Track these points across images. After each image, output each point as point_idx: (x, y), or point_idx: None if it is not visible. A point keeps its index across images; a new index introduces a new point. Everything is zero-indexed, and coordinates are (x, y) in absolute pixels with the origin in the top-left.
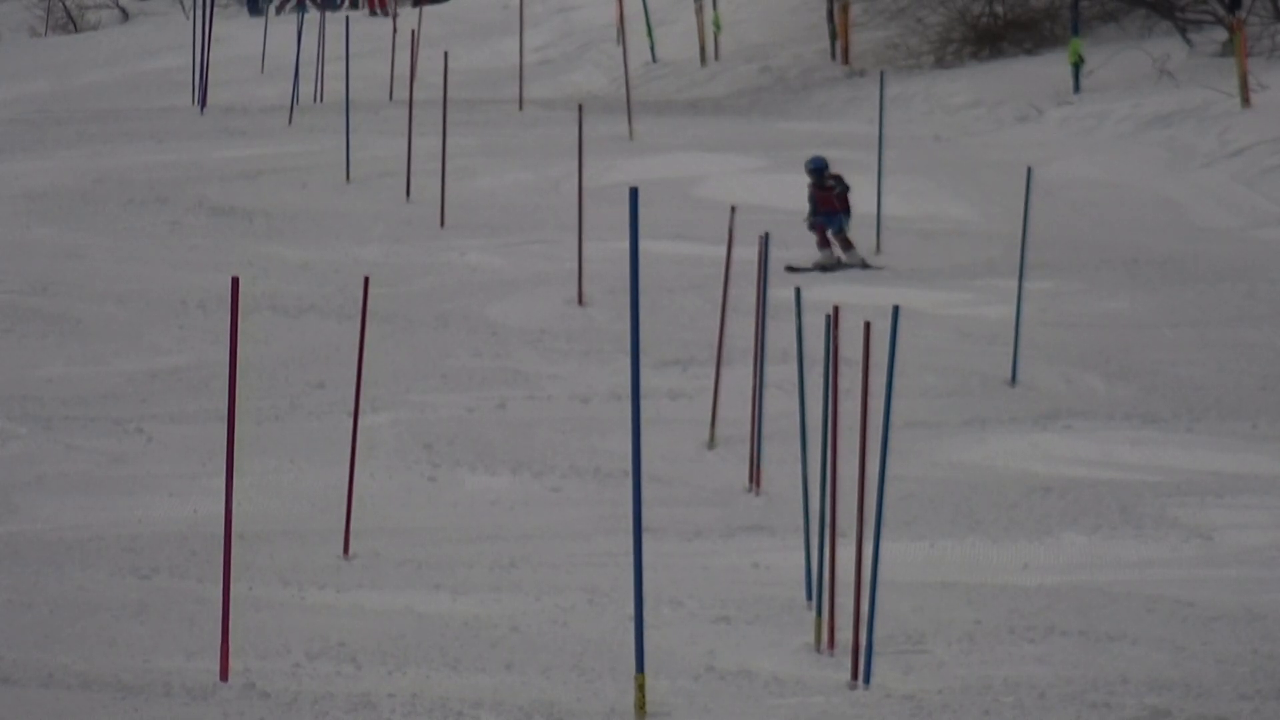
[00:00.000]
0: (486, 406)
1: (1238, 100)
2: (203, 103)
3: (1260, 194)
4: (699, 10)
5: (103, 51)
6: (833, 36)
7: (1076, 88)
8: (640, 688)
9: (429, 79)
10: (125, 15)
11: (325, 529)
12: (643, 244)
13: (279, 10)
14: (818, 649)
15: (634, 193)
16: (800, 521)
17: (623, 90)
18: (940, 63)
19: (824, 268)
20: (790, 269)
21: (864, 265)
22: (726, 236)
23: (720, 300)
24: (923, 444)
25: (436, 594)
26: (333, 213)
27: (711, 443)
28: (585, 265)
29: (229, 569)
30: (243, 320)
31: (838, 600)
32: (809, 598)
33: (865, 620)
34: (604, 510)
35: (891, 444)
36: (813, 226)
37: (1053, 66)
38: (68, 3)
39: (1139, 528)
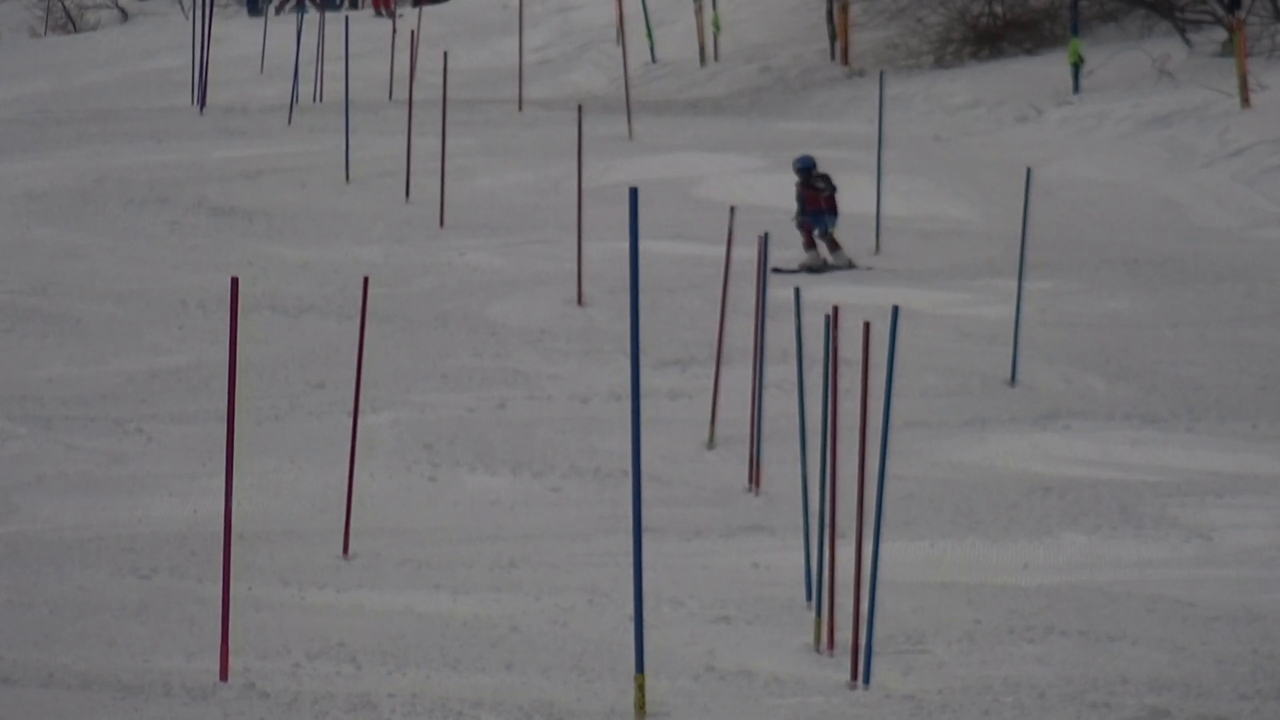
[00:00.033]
0: (486, 406)
1: (1238, 100)
2: (202, 103)
3: (1260, 194)
4: (699, 10)
5: (103, 51)
6: (833, 36)
7: (1076, 88)
8: (640, 688)
9: (429, 79)
10: (125, 15)
11: (325, 529)
12: (643, 244)
13: (279, 10)
14: (818, 649)
15: (634, 193)
16: (800, 521)
17: (622, 90)
18: (940, 63)
19: (810, 269)
20: (776, 270)
21: (850, 266)
22: (726, 236)
23: (720, 300)
24: (923, 444)
25: (436, 594)
26: (333, 213)
27: (711, 443)
28: (585, 265)
29: (229, 569)
30: (243, 320)
31: (838, 600)
32: (809, 598)
33: (865, 620)
34: (604, 510)
35: (891, 444)
36: (800, 225)
37: (1052, 66)
38: (67, 3)
39: (1139, 528)
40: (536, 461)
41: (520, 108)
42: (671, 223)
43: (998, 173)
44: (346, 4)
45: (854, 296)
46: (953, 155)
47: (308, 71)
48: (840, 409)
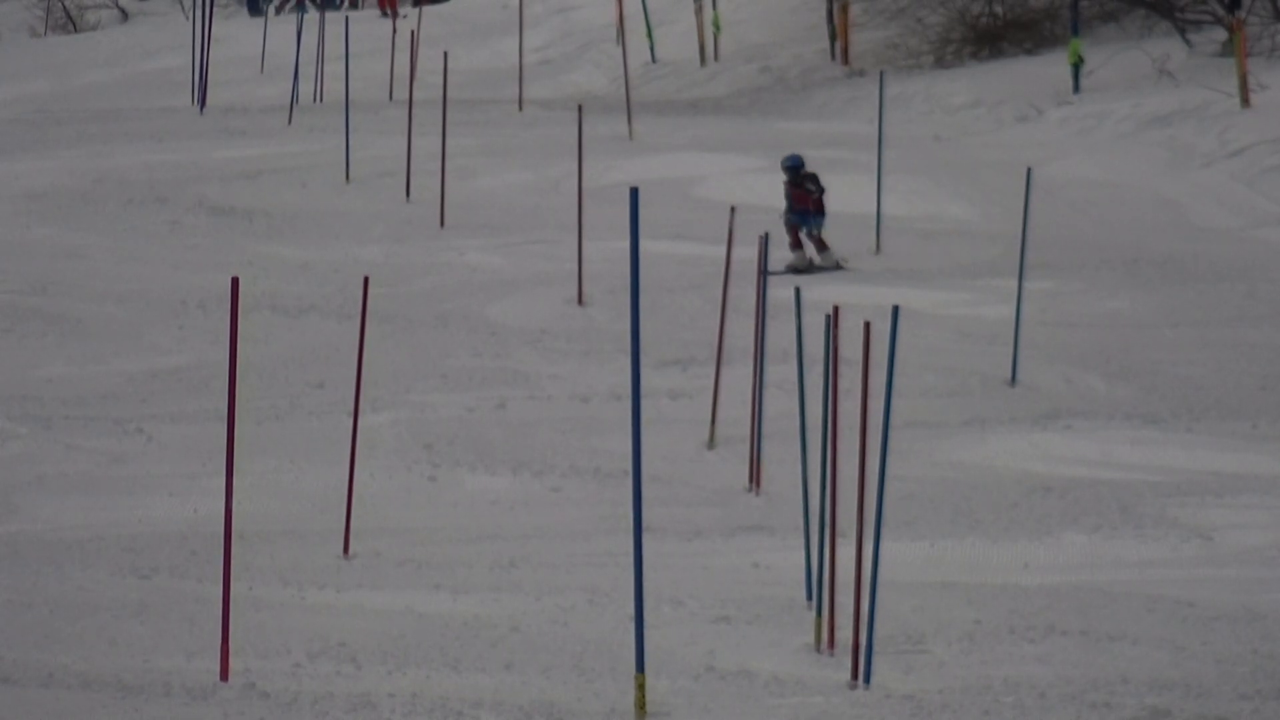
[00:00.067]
0: (486, 406)
1: (1238, 100)
2: (202, 103)
3: (1260, 194)
4: (699, 10)
5: (103, 51)
6: (833, 36)
7: (1076, 88)
8: (640, 688)
9: (429, 79)
10: (125, 15)
11: (325, 529)
12: (643, 244)
13: (279, 10)
14: (818, 649)
15: (634, 193)
16: (800, 521)
17: (623, 90)
18: (940, 63)
19: (796, 270)
20: (770, 272)
21: (838, 267)
22: (726, 236)
23: (720, 300)
24: (923, 444)
25: (436, 594)
26: (333, 213)
27: (711, 443)
28: (585, 265)
29: (229, 569)
30: (243, 320)
31: (838, 600)
32: (809, 598)
33: (865, 620)
34: (604, 510)
35: (891, 444)
36: (789, 225)
37: (1053, 66)
38: (68, 3)
39: (1139, 528)
40: (536, 461)
41: (520, 108)
42: (671, 223)
43: (998, 173)
44: (347, 4)
45: (854, 296)
46: (953, 155)
47: (308, 71)
48: (840, 409)
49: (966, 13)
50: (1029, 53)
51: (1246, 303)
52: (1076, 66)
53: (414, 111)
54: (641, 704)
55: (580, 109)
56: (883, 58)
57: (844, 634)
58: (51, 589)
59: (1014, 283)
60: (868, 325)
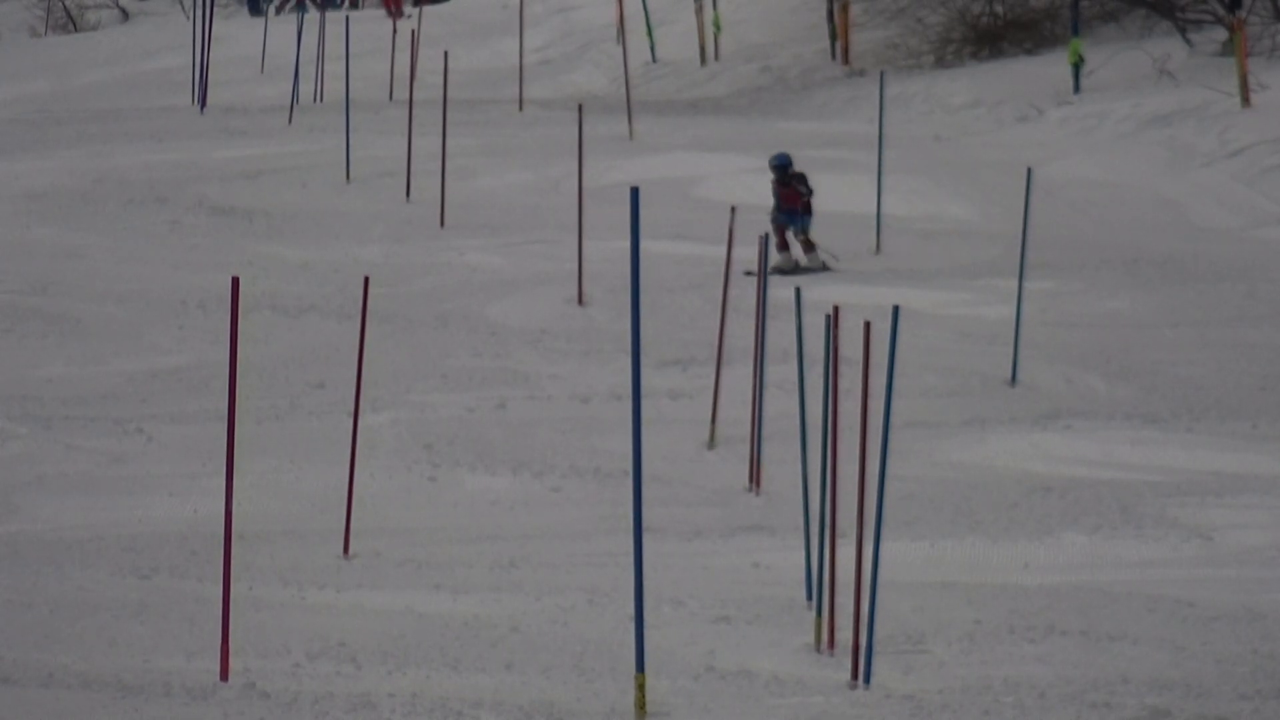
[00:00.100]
0: (486, 406)
1: (1238, 100)
2: (203, 103)
3: (1260, 194)
4: (699, 10)
5: (103, 51)
6: (833, 36)
7: (1076, 88)
8: (640, 688)
9: (429, 79)
10: (125, 15)
11: (325, 529)
12: (643, 244)
13: (279, 10)
14: (818, 649)
15: (635, 192)
16: (800, 521)
17: (623, 90)
18: (940, 63)
19: (781, 271)
20: (749, 274)
21: (824, 267)
22: (726, 236)
23: (720, 300)
24: (923, 444)
25: (436, 594)
26: (333, 213)
27: (711, 443)
28: (585, 265)
29: (229, 569)
30: (243, 320)
31: (838, 600)
32: (809, 598)
33: (865, 620)
34: (604, 510)
35: (891, 444)
36: (775, 225)
37: (1053, 66)
38: (68, 3)
39: (1139, 528)
40: (536, 461)
41: (520, 108)
42: (671, 223)
43: (998, 173)
44: (347, 4)
45: (854, 296)
46: (953, 155)
47: (308, 71)
48: (840, 409)
49: (967, 13)
50: (1029, 53)
51: (1246, 303)
52: (1077, 66)
53: (414, 111)
54: (641, 704)
55: (580, 109)
56: (883, 58)
57: (844, 634)
58: (51, 589)
59: (1014, 283)
60: (868, 325)
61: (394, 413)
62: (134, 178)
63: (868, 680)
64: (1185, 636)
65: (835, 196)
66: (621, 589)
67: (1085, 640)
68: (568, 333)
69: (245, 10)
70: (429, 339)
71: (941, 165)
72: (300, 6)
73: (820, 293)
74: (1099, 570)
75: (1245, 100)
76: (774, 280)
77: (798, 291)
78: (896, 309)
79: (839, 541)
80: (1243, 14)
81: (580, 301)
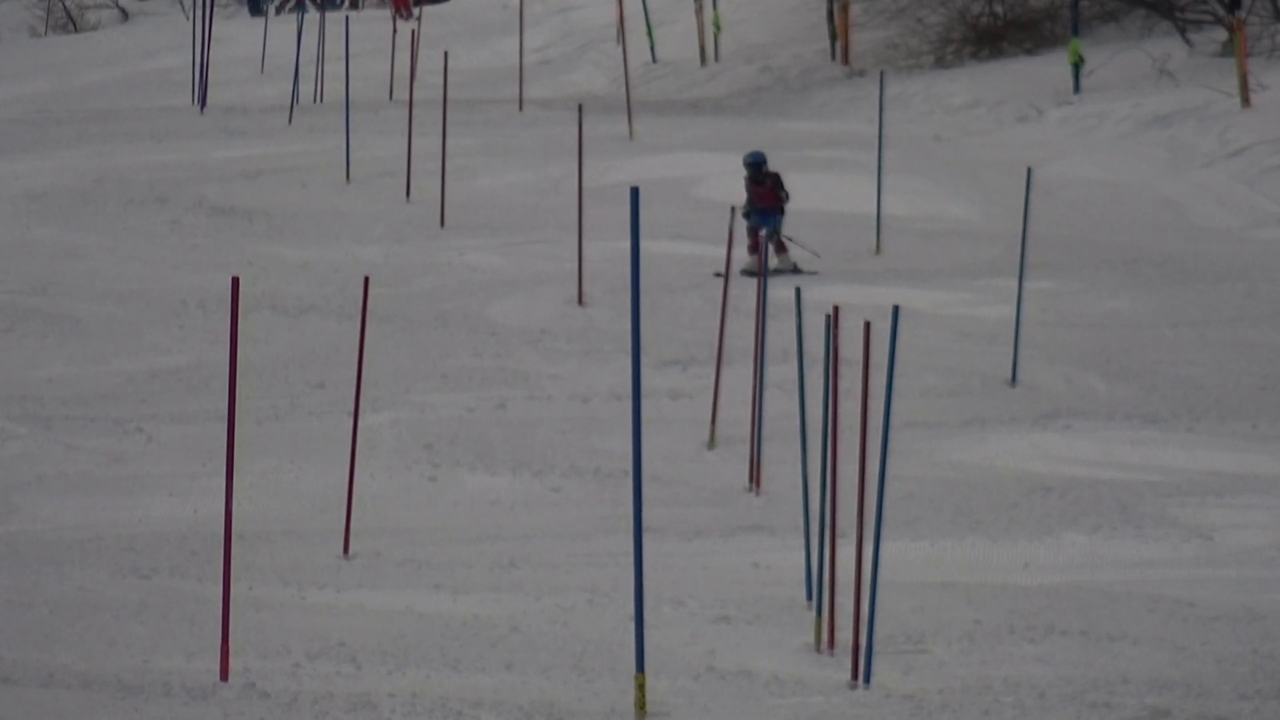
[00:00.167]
0: (486, 406)
1: (1238, 100)
2: (203, 103)
3: (1260, 194)
4: (699, 10)
5: (103, 51)
6: (833, 36)
7: (1076, 88)
8: (640, 688)
9: (429, 79)
10: (125, 15)
11: (325, 529)
12: (643, 244)
13: (279, 10)
14: (818, 649)
15: (635, 192)
16: (800, 521)
17: (623, 90)
18: (940, 63)
19: (751, 274)
20: (718, 275)
21: (796, 269)
22: (726, 236)
23: (720, 300)
24: (923, 444)
25: (436, 594)
26: (333, 213)
27: (711, 443)
28: (585, 265)
29: (229, 569)
30: (243, 320)
31: (838, 600)
32: (809, 598)
33: (865, 620)
34: (604, 510)
35: (891, 444)
36: (749, 226)
37: (1053, 66)
38: (68, 3)
39: (1139, 528)
40: (536, 461)
41: (520, 108)
42: (671, 223)
43: (998, 173)
44: (347, 4)
45: (854, 296)
46: (953, 155)
47: (308, 71)
48: (840, 409)
49: (966, 13)
50: (1029, 53)
51: (1246, 303)
52: (1077, 66)
53: (414, 111)
54: (641, 704)
55: (580, 109)
56: (883, 58)
57: (844, 634)
58: (51, 589)
59: (1014, 283)
60: (868, 325)
61: (394, 413)
62: (134, 178)
63: (868, 680)
64: (1185, 636)
65: (835, 197)
66: (621, 589)
67: (1085, 640)
68: (568, 333)
69: (245, 10)
70: (429, 339)
71: (941, 165)
72: (300, 7)
73: (820, 293)
74: (1099, 570)
75: (1245, 100)
76: (774, 280)
77: (798, 291)
78: (896, 309)
79: (839, 541)
80: (1242, 14)
81: (580, 301)
